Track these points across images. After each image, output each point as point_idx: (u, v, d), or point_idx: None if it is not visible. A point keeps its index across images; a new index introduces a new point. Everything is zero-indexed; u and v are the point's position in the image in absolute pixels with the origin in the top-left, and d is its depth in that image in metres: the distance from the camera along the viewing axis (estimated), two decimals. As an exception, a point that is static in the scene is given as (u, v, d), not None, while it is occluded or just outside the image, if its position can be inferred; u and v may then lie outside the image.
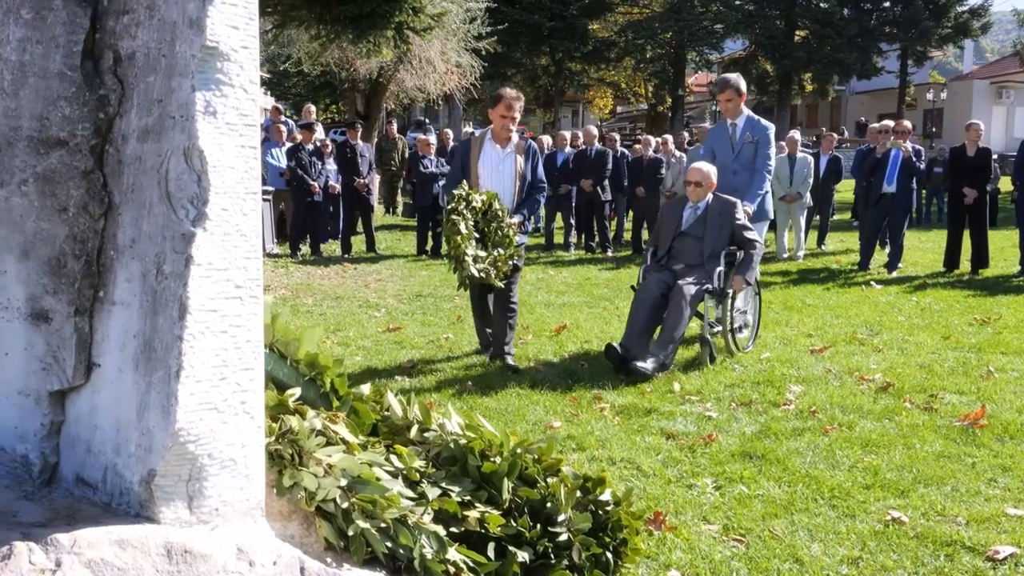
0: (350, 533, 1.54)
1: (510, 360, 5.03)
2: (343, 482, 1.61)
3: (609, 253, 10.80)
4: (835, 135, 12.44)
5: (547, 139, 11.60)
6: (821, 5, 29.31)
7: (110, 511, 1.40)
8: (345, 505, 1.57)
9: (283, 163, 10.61)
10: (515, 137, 5.07)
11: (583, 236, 11.35)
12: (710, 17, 28.89)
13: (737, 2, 29.21)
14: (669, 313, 4.97)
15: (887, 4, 30.21)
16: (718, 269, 5.15)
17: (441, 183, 9.30)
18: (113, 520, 1.34)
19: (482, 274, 4.57)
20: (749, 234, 5.25)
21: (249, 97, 1.40)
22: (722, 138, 5.83)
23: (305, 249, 10.55)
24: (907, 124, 9.44)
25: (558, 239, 11.69)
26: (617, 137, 12.77)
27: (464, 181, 4.81)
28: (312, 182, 10.16)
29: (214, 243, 1.37)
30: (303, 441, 1.68)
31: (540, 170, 5.21)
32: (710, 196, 5.32)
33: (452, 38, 15.40)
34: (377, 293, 8.02)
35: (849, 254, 10.65)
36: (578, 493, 2.19)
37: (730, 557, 2.64)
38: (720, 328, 5.24)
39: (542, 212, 11.86)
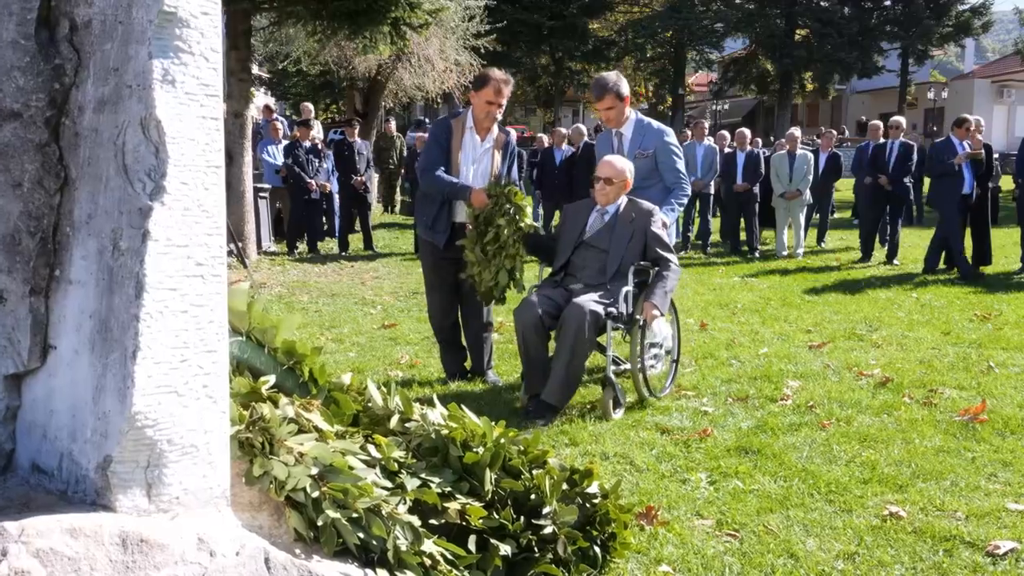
0: (320, 523, 1.48)
1: (491, 375, 4.58)
2: (314, 471, 1.55)
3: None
4: (834, 132, 12.38)
5: (544, 137, 11.54)
6: (822, 4, 29.27)
7: (66, 499, 1.33)
8: (315, 494, 1.51)
9: (279, 160, 10.56)
10: (495, 129, 4.35)
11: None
12: (710, 16, 28.83)
13: (737, 1, 29.17)
14: (563, 336, 3.84)
15: (888, 3, 30.16)
16: (625, 289, 3.97)
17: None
18: (68, 509, 1.28)
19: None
20: (665, 251, 4.14)
21: (210, 66, 1.33)
22: (607, 152, 4.52)
23: (302, 247, 10.49)
24: (901, 120, 9.50)
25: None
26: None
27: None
28: (309, 180, 10.10)
29: (173, 218, 1.31)
30: (274, 429, 1.62)
31: (515, 172, 4.56)
32: (623, 199, 4.21)
33: (451, 36, 15.38)
34: (373, 290, 7.96)
35: (849, 252, 10.58)
36: (565, 486, 2.13)
37: (723, 552, 2.57)
38: (628, 365, 4.12)
39: (540, 211, 11.79)
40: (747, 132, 10.78)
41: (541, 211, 11.79)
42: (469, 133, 4.29)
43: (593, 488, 2.10)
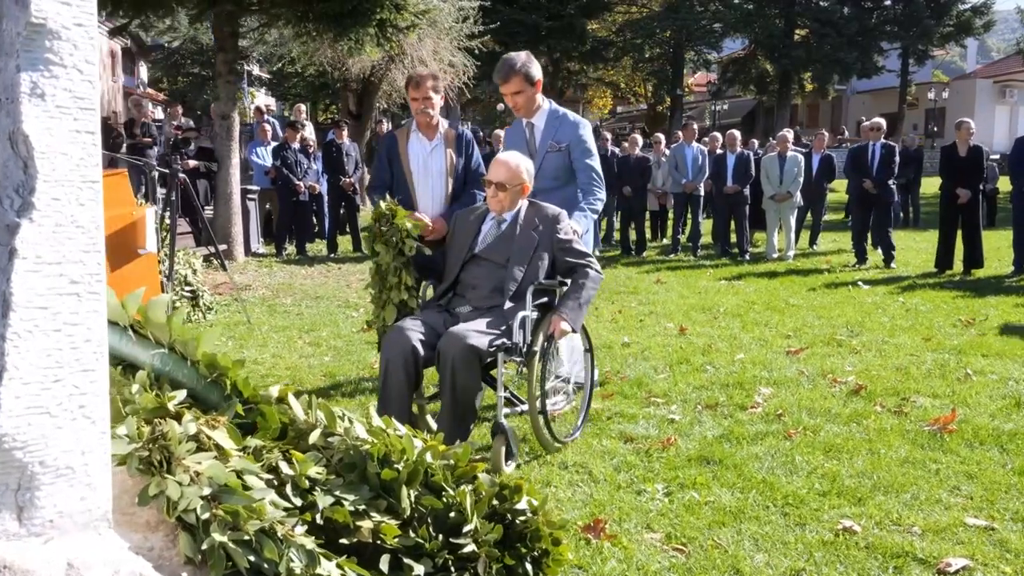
0: (204, 547, 1.44)
1: None
2: (207, 491, 1.52)
3: (597, 252, 10.70)
4: (826, 133, 12.32)
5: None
6: (821, 4, 29.19)
7: (-64, 524, 1.30)
8: (205, 516, 1.47)
9: (268, 162, 10.55)
10: (443, 125, 4.22)
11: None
12: (708, 16, 28.78)
13: (736, 1, 29.09)
14: (441, 376, 3.14)
15: (888, 2, 30.05)
16: (521, 315, 3.24)
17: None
18: (-64, 534, 1.25)
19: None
20: (580, 259, 3.44)
21: (85, 78, 1.30)
22: (517, 145, 4.07)
23: (291, 248, 10.47)
24: (880, 121, 9.54)
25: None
26: (609, 136, 12.64)
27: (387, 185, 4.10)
28: (297, 181, 10.09)
29: (43, 235, 1.27)
30: (174, 447, 1.58)
31: (477, 159, 4.29)
32: (524, 203, 3.55)
33: (444, 37, 15.35)
34: (358, 293, 7.93)
35: (841, 254, 10.52)
36: (495, 501, 2.09)
37: (667, 568, 2.52)
38: (526, 407, 3.42)
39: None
40: (737, 134, 10.73)
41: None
42: (415, 136, 4.20)
43: (522, 504, 2.06)
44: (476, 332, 3.15)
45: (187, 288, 6.66)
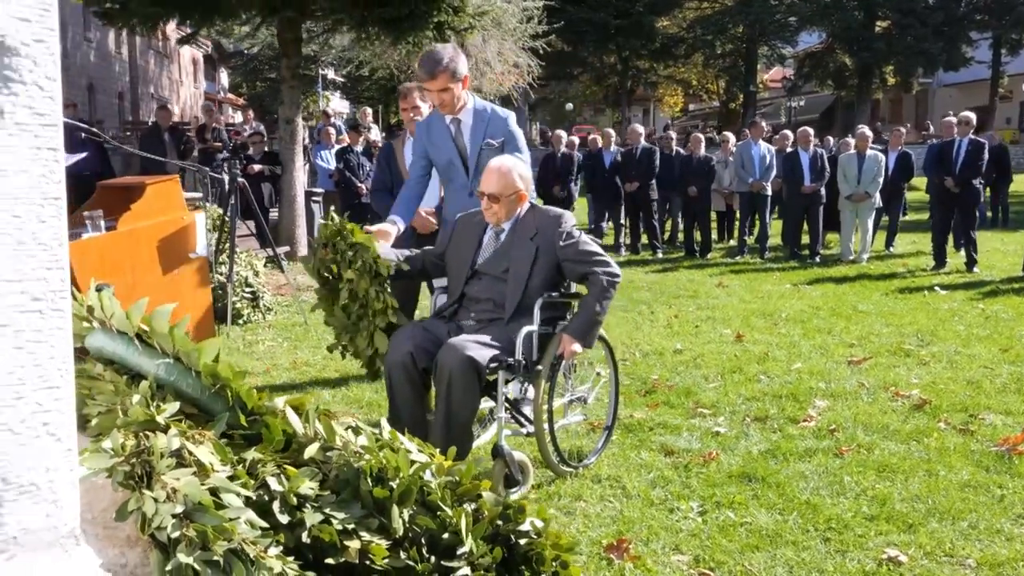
0: (168, 567, 1.42)
1: None
2: (180, 509, 1.50)
3: (659, 255, 10.46)
4: (904, 129, 11.67)
5: (598, 138, 11.31)
6: (903, -8, 27.79)
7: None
8: (175, 535, 1.45)
9: (332, 165, 10.75)
10: None
11: (631, 236, 10.97)
12: (783, 10, 27.80)
13: (812, -7, 28.06)
14: (437, 387, 2.96)
15: (977, -11, 28.40)
16: (526, 329, 3.02)
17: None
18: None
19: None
20: (591, 264, 3.11)
21: (46, 95, 1.29)
22: (442, 142, 3.75)
23: (353, 251, 10.60)
24: (971, 115, 8.94)
25: (607, 239, 11.38)
26: (674, 136, 12.34)
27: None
28: (359, 184, 10.23)
29: (4, 253, 1.27)
30: (155, 461, 1.57)
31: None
32: (523, 210, 3.27)
33: (509, 38, 15.34)
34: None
35: (919, 257, 9.97)
36: (499, 522, 2.01)
37: (690, 595, 2.39)
38: (532, 428, 3.14)
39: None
40: (810, 130, 10.29)
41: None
42: (409, 143, 4.42)
43: (526, 526, 1.98)
44: (477, 344, 2.96)
45: (247, 289, 6.81)
